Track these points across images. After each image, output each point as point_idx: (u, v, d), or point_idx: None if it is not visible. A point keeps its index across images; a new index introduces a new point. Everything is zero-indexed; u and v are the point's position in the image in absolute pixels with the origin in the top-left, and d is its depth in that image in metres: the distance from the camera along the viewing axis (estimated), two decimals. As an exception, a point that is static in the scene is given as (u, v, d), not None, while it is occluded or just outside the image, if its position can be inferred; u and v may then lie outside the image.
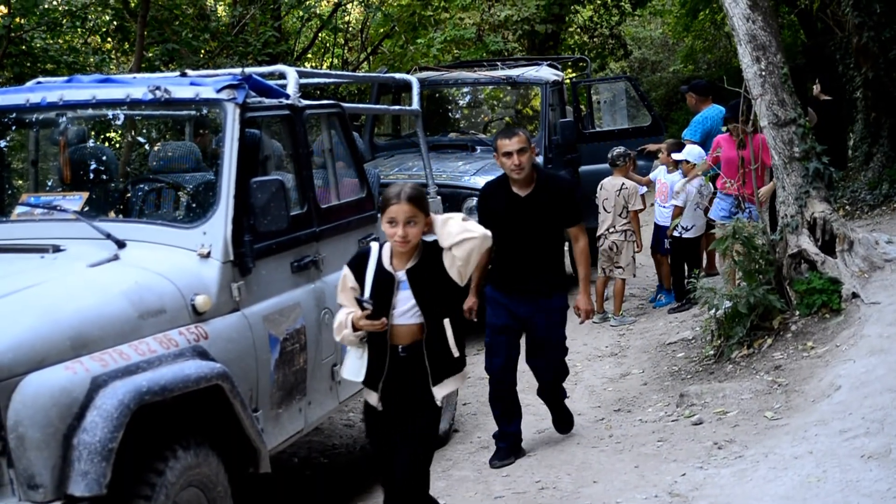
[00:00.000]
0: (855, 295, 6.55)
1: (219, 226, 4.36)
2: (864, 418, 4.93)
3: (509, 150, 5.54)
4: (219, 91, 4.61)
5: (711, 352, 7.19)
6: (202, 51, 11.65)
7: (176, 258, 4.30)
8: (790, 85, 7.17)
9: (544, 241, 5.77)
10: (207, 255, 4.31)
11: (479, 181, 9.04)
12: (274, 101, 4.98)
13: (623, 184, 9.33)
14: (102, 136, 8.62)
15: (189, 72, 5.59)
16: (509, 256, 5.76)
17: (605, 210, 9.34)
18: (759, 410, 5.81)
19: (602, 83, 13.37)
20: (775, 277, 7.01)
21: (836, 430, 4.92)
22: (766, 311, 6.84)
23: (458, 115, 11.84)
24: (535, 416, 6.88)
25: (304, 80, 5.63)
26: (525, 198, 5.67)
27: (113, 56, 12.64)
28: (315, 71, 9.34)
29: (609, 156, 9.53)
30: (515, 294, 5.79)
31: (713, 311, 7.13)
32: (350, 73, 10.47)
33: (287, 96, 5.11)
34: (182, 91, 4.70)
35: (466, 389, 7.21)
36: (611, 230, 9.32)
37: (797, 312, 6.78)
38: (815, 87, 10.27)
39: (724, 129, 8.75)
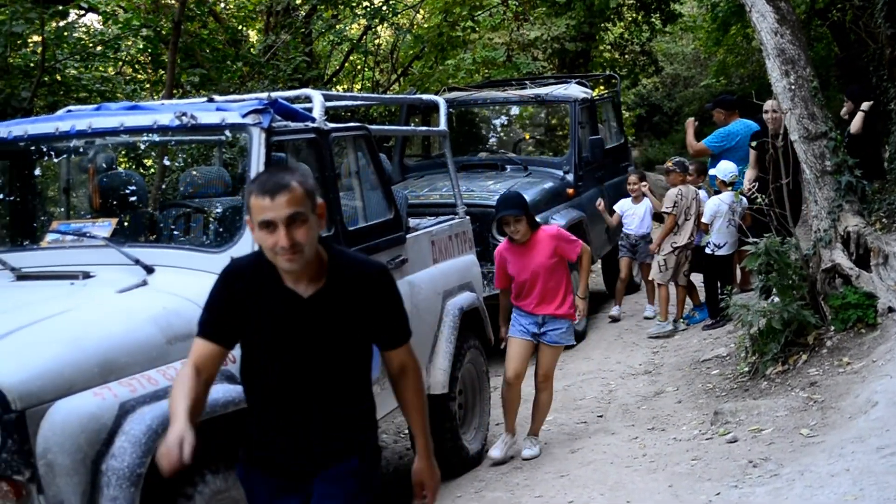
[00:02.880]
0: (891, 309, 6.47)
1: (245, 249, 4.36)
2: (902, 434, 4.86)
3: (271, 220, 2.88)
4: (244, 116, 4.64)
5: (746, 368, 7.12)
6: (234, 77, 11.76)
7: (204, 282, 4.28)
8: (820, 98, 7.11)
9: (342, 372, 3.15)
10: (235, 279, 4.32)
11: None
12: (300, 125, 5.00)
13: (697, 192, 9.39)
14: (136, 163, 8.73)
15: (216, 97, 5.63)
16: (277, 404, 3.13)
17: (686, 217, 9.35)
18: (795, 427, 5.73)
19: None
20: (809, 293, 6.93)
21: (873, 447, 4.84)
22: (800, 326, 6.77)
23: (488, 135, 11.84)
24: (568, 435, 6.85)
25: (329, 104, 5.66)
26: (310, 300, 3.06)
27: (146, 85, 12.79)
28: (341, 94, 9.41)
29: (675, 164, 9.54)
30: (284, 471, 3.19)
31: (747, 327, 7.06)
32: (376, 96, 10.53)
33: (313, 119, 5.13)
34: (208, 117, 4.74)
35: (500, 410, 7.18)
36: (691, 237, 9.38)
37: (832, 328, 6.70)
38: (848, 104, 9.84)
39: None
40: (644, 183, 10.36)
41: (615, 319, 10.29)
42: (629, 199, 10.31)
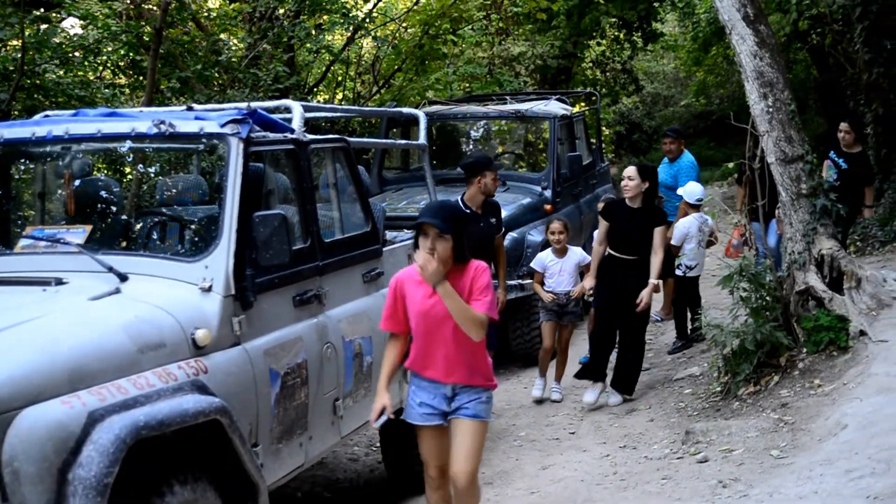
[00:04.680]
0: (862, 332, 6.52)
1: (220, 259, 4.36)
2: (871, 458, 4.87)
3: None
4: (223, 125, 4.63)
5: (718, 388, 7.15)
6: (214, 84, 11.71)
7: (177, 292, 4.30)
8: (798, 121, 7.17)
9: None
10: (209, 289, 4.31)
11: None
12: (279, 136, 4.99)
13: None
14: (113, 170, 8.67)
15: (195, 106, 5.61)
16: None
17: None
18: (765, 448, 5.76)
19: None
20: (782, 314, 6.97)
21: (841, 470, 4.86)
22: (773, 348, 6.81)
23: (468, 149, 11.86)
24: (540, 451, 6.85)
25: (309, 115, 5.65)
26: None
27: (126, 91, 12.71)
28: (321, 105, 9.37)
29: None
30: None
31: (720, 347, 7.09)
32: (356, 108, 10.50)
33: (292, 130, 5.12)
34: (186, 125, 4.72)
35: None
36: None
37: (804, 350, 6.74)
38: (844, 134, 8.94)
39: None
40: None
41: (540, 401, 8.14)
42: (549, 251, 8.26)
